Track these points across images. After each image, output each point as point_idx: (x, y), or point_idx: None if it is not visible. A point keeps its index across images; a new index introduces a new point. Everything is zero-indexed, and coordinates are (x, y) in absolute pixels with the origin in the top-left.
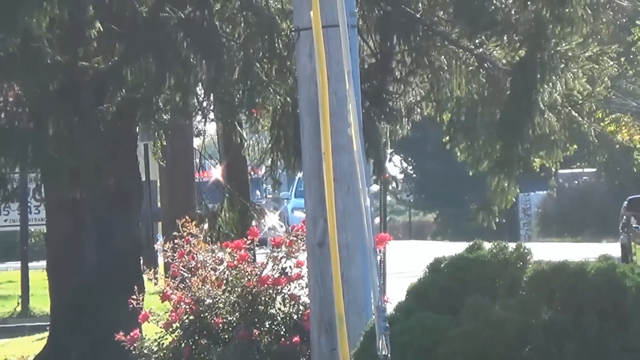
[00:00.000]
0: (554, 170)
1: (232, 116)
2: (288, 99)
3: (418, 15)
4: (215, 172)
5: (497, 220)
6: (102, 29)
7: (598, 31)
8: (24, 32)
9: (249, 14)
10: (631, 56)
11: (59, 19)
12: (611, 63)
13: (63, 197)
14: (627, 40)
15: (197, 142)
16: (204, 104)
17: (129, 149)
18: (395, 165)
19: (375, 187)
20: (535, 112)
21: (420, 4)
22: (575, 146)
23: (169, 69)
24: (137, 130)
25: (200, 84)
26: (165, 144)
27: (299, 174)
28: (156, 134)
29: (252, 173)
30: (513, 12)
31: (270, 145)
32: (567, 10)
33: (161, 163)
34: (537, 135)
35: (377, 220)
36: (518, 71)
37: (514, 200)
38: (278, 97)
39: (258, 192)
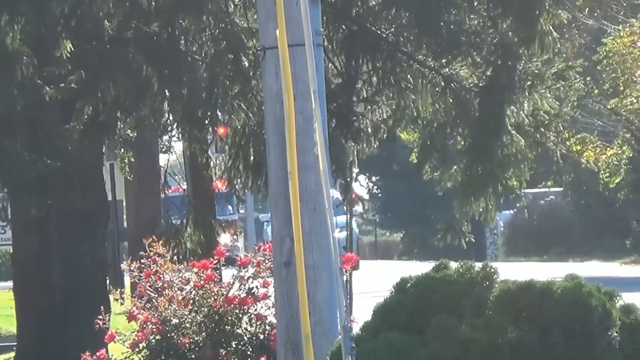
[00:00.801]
0: (519, 190)
1: (196, 134)
2: (252, 117)
3: (384, 35)
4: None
5: (467, 240)
6: (72, 49)
7: (563, 50)
8: None
9: (215, 31)
10: (596, 76)
11: (27, 35)
12: (578, 78)
13: (29, 217)
14: (593, 59)
15: (163, 160)
16: (169, 121)
17: (95, 167)
18: (360, 185)
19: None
20: (503, 133)
21: (385, 24)
22: (541, 167)
23: (133, 88)
24: (103, 149)
25: (165, 102)
26: (132, 160)
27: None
28: (122, 151)
29: (221, 187)
30: (477, 33)
31: (229, 164)
32: (536, 31)
33: (129, 178)
34: (505, 155)
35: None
36: (485, 92)
37: (495, 219)
38: (241, 115)
39: (230, 208)
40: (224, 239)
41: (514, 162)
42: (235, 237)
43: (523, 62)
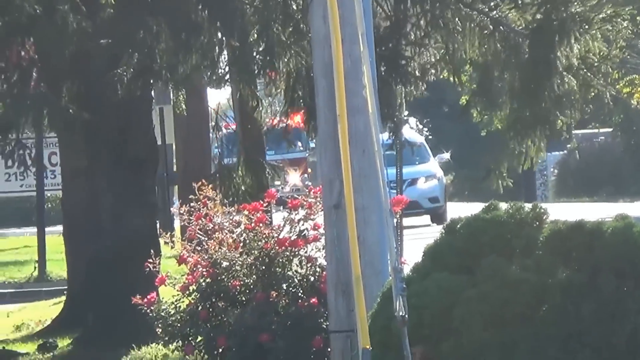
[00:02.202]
0: (568, 132)
1: (249, 79)
2: (303, 61)
3: None
4: (296, 118)
5: (505, 184)
6: None
7: None
8: None
9: None
10: None
11: None
12: (625, 24)
13: (79, 164)
14: None
15: (211, 103)
16: (220, 67)
17: (145, 112)
18: (411, 128)
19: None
20: (554, 75)
21: None
22: (590, 109)
23: (184, 33)
24: (152, 93)
25: (216, 47)
26: (185, 100)
27: None
28: (172, 95)
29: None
30: None
31: (285, 108)
32: None
33: (184, 114)
34: (557, 96)
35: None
36: (536, 34)
37: (541, 160)
38: (293, 59)
39: (300, 144)
40: (294, 178)
41: (564, 103)
42: (305, 175)
43: (574, 3)
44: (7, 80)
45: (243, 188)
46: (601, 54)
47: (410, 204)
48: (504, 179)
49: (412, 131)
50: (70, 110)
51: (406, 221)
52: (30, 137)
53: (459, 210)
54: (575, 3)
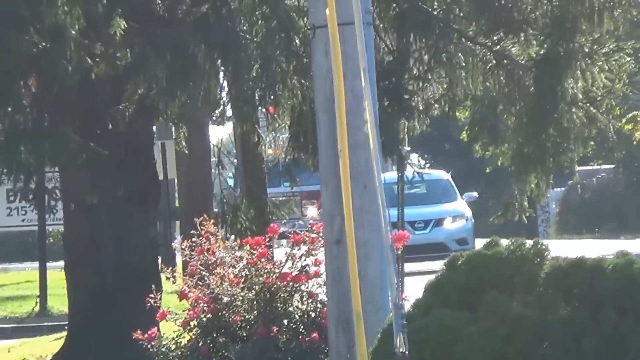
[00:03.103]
0: (572, 166)
1: (250, 115)
2: (307, 96)
3: (435, 13)
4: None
5: (528, 214)
6: (125, 26)
7: (616, 27)
8: (53, 27)
9: (266, 10)
10: None
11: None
12: (628, 59)
13: (80, 198)
14: None
15: (213, 139)
16: (222, 102)
17: (146, 147)
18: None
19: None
20: (560, 107)
21: (436, 1)
22: (594, 144)
23: (186, 69)
24: (154, 128)
25: (217, 83)
26: (186, 136)
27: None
28: (174, 129)
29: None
30: (529, 9)
31: (290, 143)
32: (594, 3)
33: (185, 152)
34: (561, 130)
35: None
36: (541, 66)
37: (548, 195)
38: (296, 94)
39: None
40: (311, 211)
41: (569, 137)
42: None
43: (579, 37)
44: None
45: (246, 224)
46: (604, 88)
47: (437, 246)
48: (525, 211)
49: (440, 170)
50: (74, 144)
51: (431, 265)
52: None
53: None
54: (579, 36)
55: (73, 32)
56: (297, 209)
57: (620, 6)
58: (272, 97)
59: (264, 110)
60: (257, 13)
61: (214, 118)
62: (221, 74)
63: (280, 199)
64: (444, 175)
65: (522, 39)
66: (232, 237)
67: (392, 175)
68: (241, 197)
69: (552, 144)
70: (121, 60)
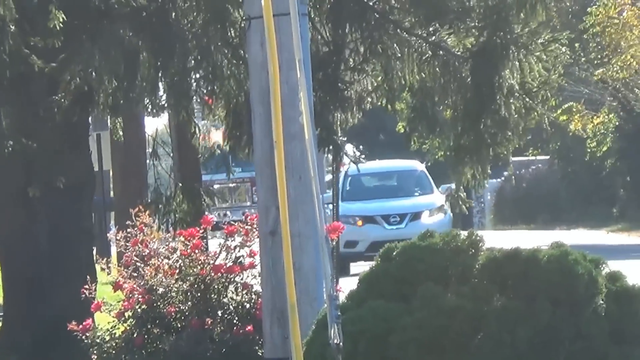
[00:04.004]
0: (509, 157)
1: (186, 105)
2: (243, 87)
3: (370, 4)
4: (216, 135)
5: (467, 205)
6: (64, 19)
7: (550, 18)
8: None
9: (203, 1)
10: (583, 44)
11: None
12: (563, 50)
13: (15, 189)
14: (579, 28)
15: (150, 131)
16: (158, 93)
17: (82, 138)
18: (347, 155)
19: (328, 177)
20: (497, 98)
21: None
22: (528, 135)
23: (123, 61)
24: (90, 119)
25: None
26: (122, 127)
27: (344, 169)
28: (110, 121)
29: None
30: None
31: (227, 133)
32: None
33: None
34: (499, 120)
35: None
36: (478, 57)
37: (486, 186)
38: (232, 85)
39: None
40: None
41: (506, 128)
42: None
43: (515, 28)
44: None
45: (179, 215)
46: (540, 79)
47: None
48: (465, 201)
49: (413, 160)
50: (8, 136)
51: None
52: None
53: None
54: (515, 27)
55: (11, 26)
56: (248, 195)
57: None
58: (208, 87)
59: (199, 100)
60: (193, 4)
61: (150, 109)
62: (157, 65)
63: (230, 185)
64: (417, 165)
65: (459, 29)
66: (167, 227)
67: (367, 165)
68: (175, 187)
69: (490, 135)
70: (59, 55)
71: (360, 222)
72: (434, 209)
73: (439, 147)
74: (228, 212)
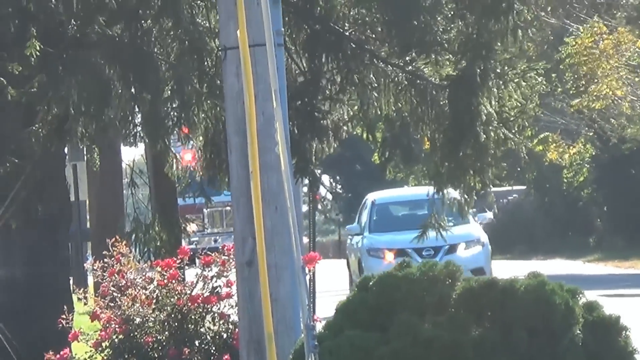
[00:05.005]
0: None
1: (162, 135)
2: (220, 117)
3: (347, 34)
4: (187, 157)
5: (447, 232)
6: (41, 47)
7: (526, 49)
8: None
9: (180, 31)
10: (559, 74)
11: None
12: (539, 79)
13: None
14: (556, 58)
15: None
16: (134, 123)
17: (58, 169)
18: (323, 185)
19: (304, 207)
20: (477, 126)
21: (348, 23)
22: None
23: (97, 91)
24: (66, 150)
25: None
26: (97, 157)
27: (369, 198)
28: (86, 152)
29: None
30: (442, 29)
31: (203, 164)
32: (509, 22)
33: (96, 170)
34: (479, 148)
35: (306, 239)
36: (456, 84)
37: (471, 211)
38: (209, 115)
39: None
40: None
41: (485, 155)
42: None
43: (493, 56)
44: None
45: (158, 244)
46: (517, 108)
47: None
48: (445, 228)
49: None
50: None
51: None
52: None
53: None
54: (492, 55)
55: None
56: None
57: (533, 26)
58: (185, 118)
59: (176, 130)
60: (168, 34)
61: (126, 139)
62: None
63: (227, 208)
64: (451, 192)
65: (435, 59)
66: (144, 257)
67: (386, 194)
68: (153, 216)
69: (469, 163)
70: (33, 85)
71: (390, 256)
72: (471, 241)
73: (416, 176)
74: (219, 239)
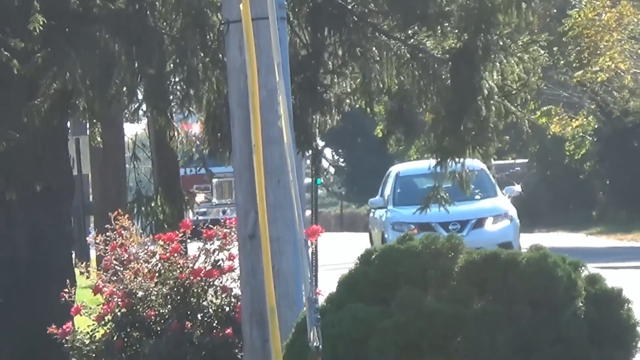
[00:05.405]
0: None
1: (165, 109)
2: (222, 90)
3: (349, 7)
4: (195, 127)
5: (450, 205)
6: (44, 22)
7: (529, 21)
8: None
9: (184, 4)
10: (561, 47)
11: None
12: (542, 52)
13: None
14: (558, 31)
15: (129, 134)
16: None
17: (61, 143)
18: (325, 158)
19: (306, 180)
20: (478, 99)
21: None
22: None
23: (101, 64)
24: (69, 123)
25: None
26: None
27: (393, 170)
28: (88, 126)
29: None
30: (445, 2)
31: (206, 137)
32: None
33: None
34: (481, 122)
35: (308, 212)
36: (458, 58)
37: (471, 187)
38: (212, 88)
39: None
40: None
41: (487, 129)
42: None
43: (495, 30)
44: None
45: (161, 217)
46: (520, 81)
47: None
48: (447, 201)
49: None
50: None
51: None
52: None
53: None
54: (495, 29)
55: None
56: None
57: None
58: (194, 95)
59: (179, 104)
60: (171, 8)
61: (128, 115)
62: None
63: (231, 179)
64: (478, 164)
65: (438, 32)
66: (146, 230)
67: (410, 166)
68: (156, 190)
69: (471, 137)
70: (37, 59)
71: (415, 230)
72: (499, 215)
73: (418, 149)
74: (228, 210)
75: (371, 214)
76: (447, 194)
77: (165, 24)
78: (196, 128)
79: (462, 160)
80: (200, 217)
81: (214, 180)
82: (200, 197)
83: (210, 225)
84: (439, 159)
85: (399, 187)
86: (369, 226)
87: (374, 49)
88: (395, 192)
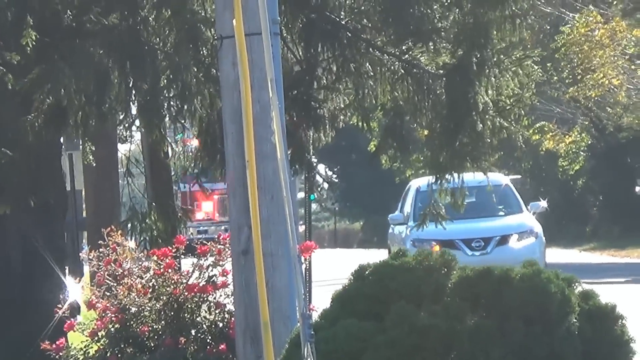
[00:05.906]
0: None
1: (158, 124)
2: (216, 106)
3: (343, 23)
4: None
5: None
6: (37, 36)
7: (524, 37)
8: None
9: (177, 20)
10: (555, 63)
11: None
12: (535, 68)
13: None
14: (551, 47)
15: (123, 149)
16: (130, 112)
17: (54, 158)
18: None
19: (300, 194)
20: (473, 114)
21: (344, 11)
22: (501, 154)
23: (94, 80)
24: (62, 139)
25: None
26: (92, 149)
27: (413, 185)
28: (81, 142)
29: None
30: (438, 17)
31: (199, 153)
32: (506, 10)
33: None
34: (476, 137)
35: (302, 228)
36: (453, 73)
37: (464, 205)
38: (205, 104)
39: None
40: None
41: (482, 144)
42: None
43: (490, 45)
44: None
45: (155, 233)
46: (514, 97)
47: None
48: (444, 218)
49: (496, 173)
50: None
51: None
52: None
53: (368, 257)
54: (490, 44)
55: None
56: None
57: (530, 14)
58: (187, 109)
59: (173, 119)
60: (164, 23)
61: (121, 134)
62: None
63: None
64: (502, 179)
65: (432, 48)
66: (140, 246)
67: (422, 181)
68: (149, 206)
69: (466, 152)
70: (31, 74)
71: (437, 248)
72: (524, 232)
73: (411, 165)
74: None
75: (390, 230)
76: (445, 210)
77: (158, 39)
78: (196, 143)
79: (461, 175)
80: (199, 237)
81: (215, 197)
82: (200, 215)
83: (204, 242)
84: (437, 175)
85: (419, 202)
86: (388, 242)
87: (367, 64)
88: (416, 208)
